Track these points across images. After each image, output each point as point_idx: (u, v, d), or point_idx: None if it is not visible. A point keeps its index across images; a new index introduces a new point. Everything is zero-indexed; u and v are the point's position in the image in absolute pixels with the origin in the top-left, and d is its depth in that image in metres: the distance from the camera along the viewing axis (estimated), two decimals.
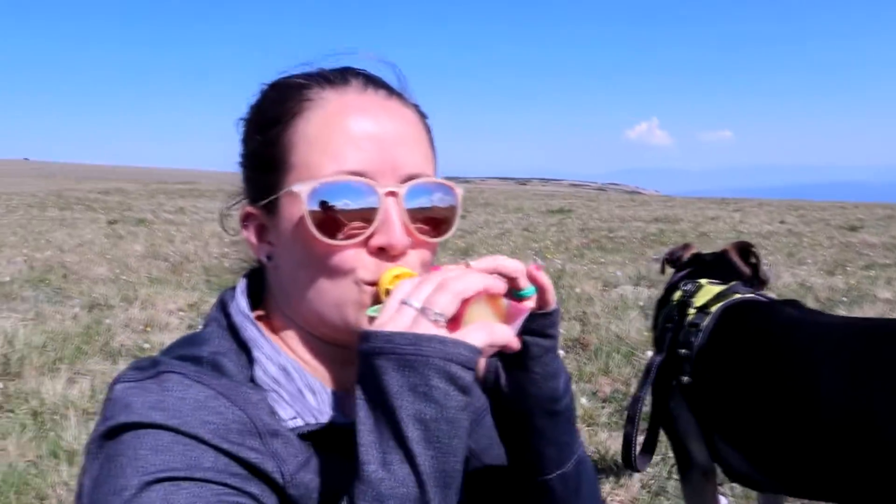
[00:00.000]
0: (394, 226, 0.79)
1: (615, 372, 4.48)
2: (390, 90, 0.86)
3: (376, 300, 0.80)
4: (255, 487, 0.72)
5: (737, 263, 2.40)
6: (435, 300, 0.69)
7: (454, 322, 0.71)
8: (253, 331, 0.84)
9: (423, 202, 0.82)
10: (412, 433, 0.65)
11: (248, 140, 0.87)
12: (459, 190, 0.87)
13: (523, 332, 0.80)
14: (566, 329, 5.35)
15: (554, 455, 0.90)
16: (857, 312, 6.19)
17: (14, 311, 5.82)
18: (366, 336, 0.69)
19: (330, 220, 0.78)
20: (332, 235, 0.78)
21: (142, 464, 0.67)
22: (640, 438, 2.25)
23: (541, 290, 0.80)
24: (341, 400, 0.85)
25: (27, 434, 3.21)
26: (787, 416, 1.87)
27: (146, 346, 5.01)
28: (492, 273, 0.76)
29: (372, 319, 0.78)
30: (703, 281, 2.25)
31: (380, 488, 0.64)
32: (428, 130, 0.89)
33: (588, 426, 3.41)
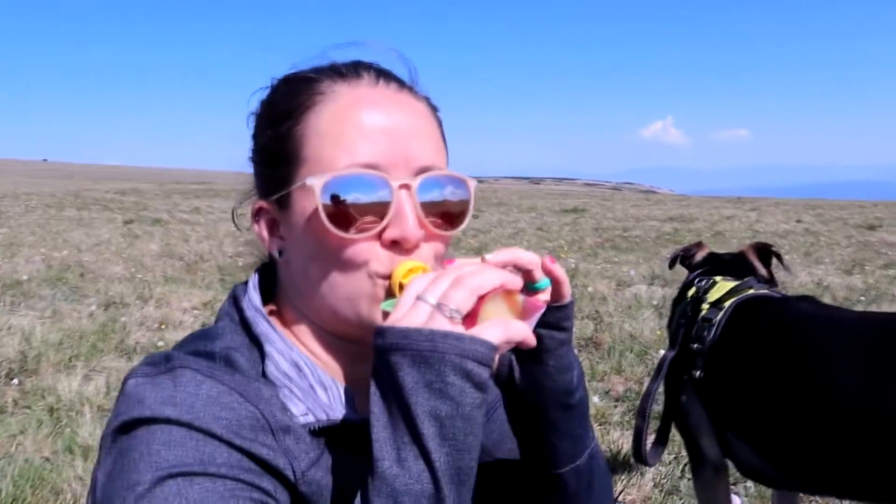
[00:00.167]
0: (407, 218, 0.78)
1: (628, 371, 4.46)
2: (401, 83, 0.86)
3: (389, 294, 0.79)
4: (267, 483, 0.72)
5: (754, 264, 2.39)
6: (451, 296, 0.68)
7: (470, 318, 0.70)
8: (265, 325, 0.84)
9: (435, 196, 0.82)
10: (427, 430, 0.64)
11: (259, 135, 0.87)
12: (472, 182, 0.86)
13: (538, 324, 0.80)
14: (579, 328, 5.32)
15: (567, 448, 0.90)
16: None
17: (31, 309, 5.89)
18: (381, 332, 0.68)
19: (343, 213, 0.77)
20: (345, 229, 0.78)
21: (155, 459, 0.67)
22: (651, 436, 2.23)
23: (556, 283, 0.79)
24: (353, 396, 0.85)
25: (43, 430, 3.24)
26: (800, 411, 1.85)
27: (161, 343, 5.05)
28: (507, 266, 0.75)
29: (386, 314, 0.77)
30: (717, 278, 2.24)
31: (394, 484, 0.64)
32: (439, 123, 0.88)
33: (600, 425, 3.40)
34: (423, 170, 0.80)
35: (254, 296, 0.87)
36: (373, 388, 0.68)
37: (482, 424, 0.69)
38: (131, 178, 46.47)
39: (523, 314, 0.75)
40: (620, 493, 2.75)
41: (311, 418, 0.79)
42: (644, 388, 2.21)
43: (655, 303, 6.24)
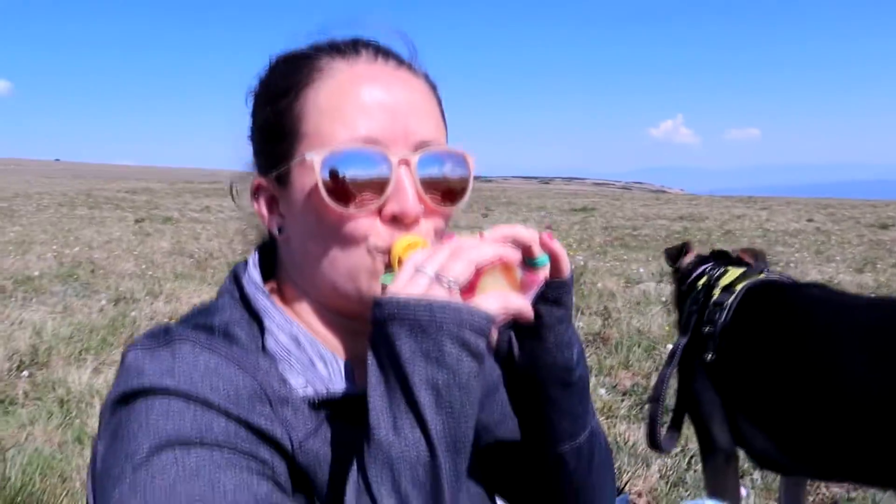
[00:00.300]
0: (406, 193, 0.78)
1: (636, 366, 4.45)
2: (400, 60, 0.86)
3: (389, 268, 0.80)
4: (265, 453, 0.72)
5: (752, 263, 2.38)
6: (449, 267, 0.69)
7: (468, 290, 0.70)
8: (264, 301, 0.84)
9: (434, 172, 0.82)
10: (424, 398, 0.65)
11: (258, 112, 0.87)
12: (472, 157, 0.86)
13: (537, 300, 0.80)
14: (587, 324, 5.31)
15: (567, 426, 0.90)
16: None
17: (43, 304, 5.94)
18: (379, 303, 0.68)
19: (342, 188, 0.77)
20: (345, 204, 0.78)
21: (153, 429, 0.68)
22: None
23: (554, 259, 0.79)
24: (353, 370, 0.85)
25: (54, 421, 3.28)
26: (810, 395, 1.84)
27: None
28: (506, 241, 0.75)
29: (385, 288, 0.78)
30: (729, 267, 2.24)
31: (390, 452, 0.64)
32: (439, 100, 0.88)
33: (608, 418, 3.40)
34: (422, 145, 0.81)
35: (253, 272, 0.87)
36: (370, 358, 0.68)
37: (479, 394, 0.69)
38: (143, 178, 46.79)
39: (521, 288, 0.75)
40: (626, 484, 2.74)
41: (310, 391, 0.80)
42: (657, 375, 2.20)
43: (664, 299, 6.21)
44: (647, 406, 2.38)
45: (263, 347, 0.81)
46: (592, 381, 3.08)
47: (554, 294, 0.82)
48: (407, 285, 0.69)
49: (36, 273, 7.30)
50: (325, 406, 0.80)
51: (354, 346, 0.87)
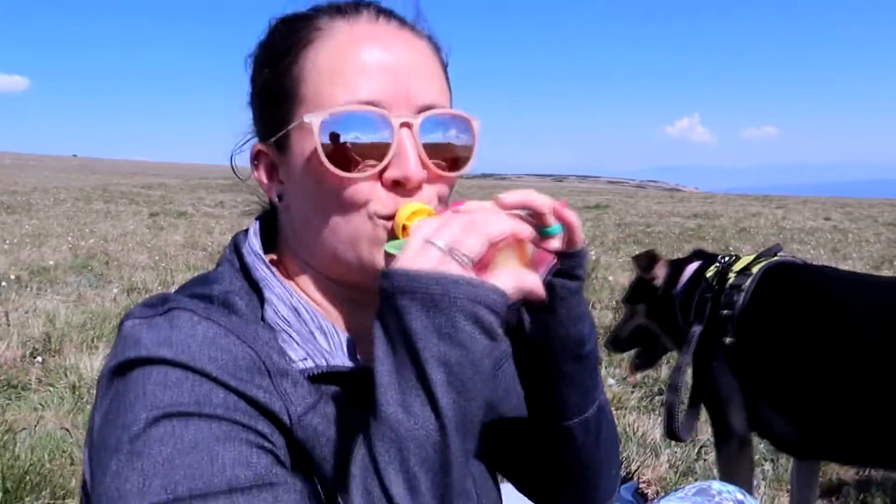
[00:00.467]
0: (408, 158, 0.76)
1: None
2: (403, 21, 0.84)
3: (392, 236, 0.77)
4: (263, 425, 0.70)
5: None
6: (463, 241, 0.66)
7: (479, 266, 0.68)
8: (265, 271, 0.83)
9: (438, 137, 0.80)
10: (435, 376, 0.62)
11: (257, 76, 0.85)
12: (477, 122, 0.84)
13: (550, 272, 0.78)
14: (598, 317, 5.27)
15: (576, 399, 0.88)
16: None
17: (57, 293, 5.99)
18: (387, 275, 0.65)
19: (342, 152, 0.76)
20: (345, 168, 0.76)
21: (150, 399, 0.66)
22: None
23: (568, 229, 0.76)
24: (354, 344, 0.83)
25: (65, 406, 3.29)
26: (832, 377, 1.82)
27: None
28: (520, 208, 0.73)
29: (388, 256, 0.76)
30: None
31: (399, 430, 0.62)
32: (444, 63, 0.86)
33: (617, 409, 3.38)
34: (425, 108, 0.78)
35: (254, 241, 0.86)
36: (378, 332, 0.65)
37: (490, 373, 0.67)
38: (158, 174, 47.19)
39: (533, 265, 0.73)
40: (635, 472, 2.72)
41: (310, 364, 0.78)
42: (674, 364, 2.17)
43: None
44: (665, 395, 2.34)
45: (263, 318, 0.79)
46: (602, 372, 3.05)
47: (567, 266, 0.80)
48: (417, 257, 0.66)
49: (51, 263, 7.36)
50: (324, 380, 0.78)
51: (355, 319, 0.85)
